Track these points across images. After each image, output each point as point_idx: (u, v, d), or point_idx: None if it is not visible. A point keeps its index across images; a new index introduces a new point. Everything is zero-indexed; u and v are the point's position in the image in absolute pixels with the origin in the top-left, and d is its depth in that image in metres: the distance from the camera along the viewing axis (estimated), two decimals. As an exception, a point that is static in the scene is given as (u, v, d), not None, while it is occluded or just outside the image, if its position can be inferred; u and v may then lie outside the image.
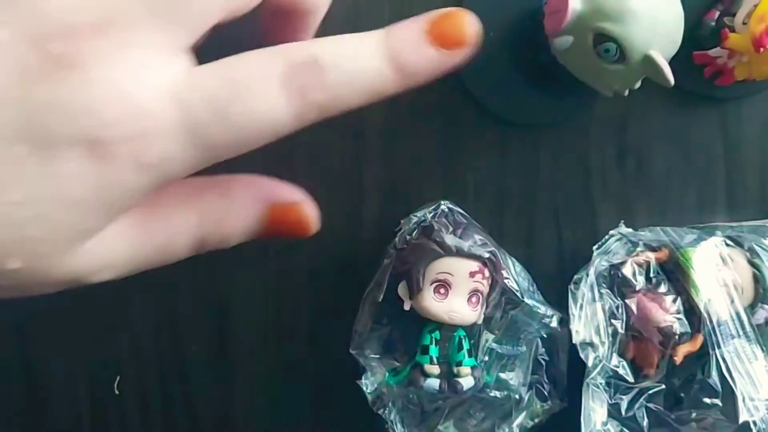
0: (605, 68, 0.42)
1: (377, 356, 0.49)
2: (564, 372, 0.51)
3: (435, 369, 0.46)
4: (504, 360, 0.50)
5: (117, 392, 0.53)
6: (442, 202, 0.49)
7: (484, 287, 0.46)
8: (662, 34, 0.41)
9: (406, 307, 0.47)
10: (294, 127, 0.30)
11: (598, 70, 0.42)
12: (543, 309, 0.49)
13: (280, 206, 0.36)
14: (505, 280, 0.48)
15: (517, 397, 0.50)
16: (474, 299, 0.46)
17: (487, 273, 0.46)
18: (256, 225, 0.35)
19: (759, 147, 0.54)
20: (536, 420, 0.51)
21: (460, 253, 0.45)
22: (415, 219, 0.48)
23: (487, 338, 0.49)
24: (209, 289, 0.53)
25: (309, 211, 0.37)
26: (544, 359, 0.51)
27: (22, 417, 0.54)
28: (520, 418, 0.51)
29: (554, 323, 0.49)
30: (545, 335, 0.50)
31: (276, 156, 0.51)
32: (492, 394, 0.49)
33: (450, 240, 0.45)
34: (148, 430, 0.54)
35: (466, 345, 0.47)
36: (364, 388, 0.49)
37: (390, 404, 0.50)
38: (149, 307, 0.53)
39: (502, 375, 0.50)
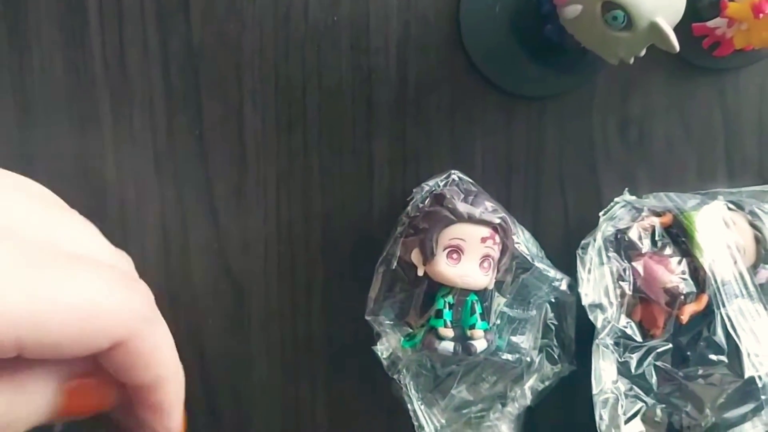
0: (612, 36, 0.43)
1: (391, 322, 0.50)
2: (572, 336, 0.53)
3: (449, 332, 0.47)
4: (515, 324, 0.51)
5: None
6: (453, 172, 0.50)
7: (495, 252, 0.47)
8: (667, 2, 0.43)
9: (420, 272, 0.47)
10: None
11: (605, 37, 0.44)
12: (553, 272, 0.50)
13: (76, 387, 0.29)
14: (516, 245, 0.49)
15: (528, 360, 0.51)
16: (485, 264, 0.47)
17: (498, 238, 0.47)
18: (46, 412, 0.28)
19: (757, 115, 0.55)
20: (546, 382, 0.52)
21: (471, 219, 0.46)
22: (427, 188, 0.50)
23: (499, 302, 0.50)
24: (224, 261, 0.54)
25: (107, 389, 0.30)
26: (553, 323, 0.52)
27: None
28: (531, 381, 0.52)
29: (563, 286, 0.51)
30: (554, 299, 0.52)
31: (288, 130, 0.53)
32: (504, 357, 0.50)
33: (462, 207, 0.46)
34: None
35: (478, 309, 0.48)
36: (379, 354, 0.50)
37: (404, 370, 0.51)
38: (164, 281, 0.54)
39: (513, 338, 0.51)
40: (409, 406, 0.51)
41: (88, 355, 0.26)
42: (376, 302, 0.50)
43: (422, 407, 0.51)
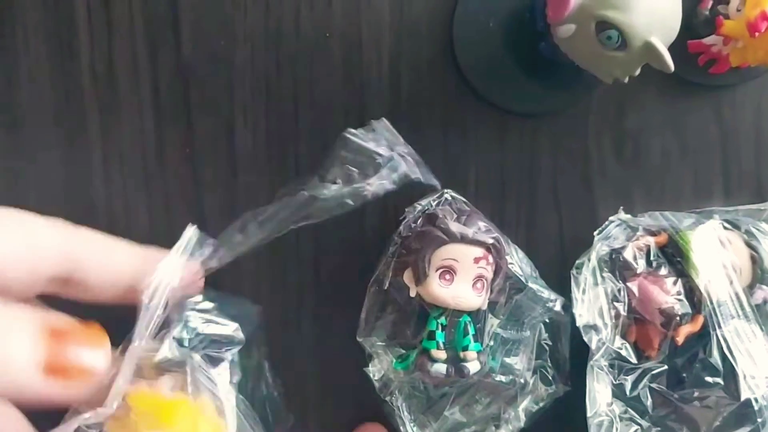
0: (607, 55, 0.43)
1: (383, 344, 0.50)
2: (567, 357, 0.52)
3: (442, 354, 0.46)
4: (508, 345, 0.50)
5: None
6: (446, 191, 0.50)
7: (489, 273, 0.47)
8: (662, 22, 0.42)
9: (412, 293, 0.47)
10: None
11: (599, 57, 0.43)
12: (546, 293, 0.50)
13: None
14: (509, 266, 0.48)
15: (522, 381, 0.51)
16: (479, 285, 0.46)
17: (491, 259, 0.47)
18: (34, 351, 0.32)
19: (753, 133, 0.55)
20: (541, 404, 0.52)
21: (464, 239, 0.46)
22: (419, 207, 0.49)
23: (492, 323, 0.50)
24: (213, 279, 0.53)
25: None
26: (547, 344, 0.52)
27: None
28: (525, 402, 0.51)
29: (557, 307, 0.50)
30: (548, 320, 0.51)
31: (279, 147, 0.52)
32: (497, 379, 0.50)
33: (454, 227, 0.46)
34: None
35: (471, 330, 0.47)
36: (371, 376, 0.50)
37: (397, 391, 0.50)
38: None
39: (507, 360, 0.50)
40: (401, 428, 0.50)
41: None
42: (368, 323, 0.50)
43: (415, 429, 0.50)
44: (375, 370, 0.50)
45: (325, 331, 0.54)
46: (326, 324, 0.54)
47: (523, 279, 0.49)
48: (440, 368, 0.46)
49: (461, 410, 0.51)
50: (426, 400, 0.51)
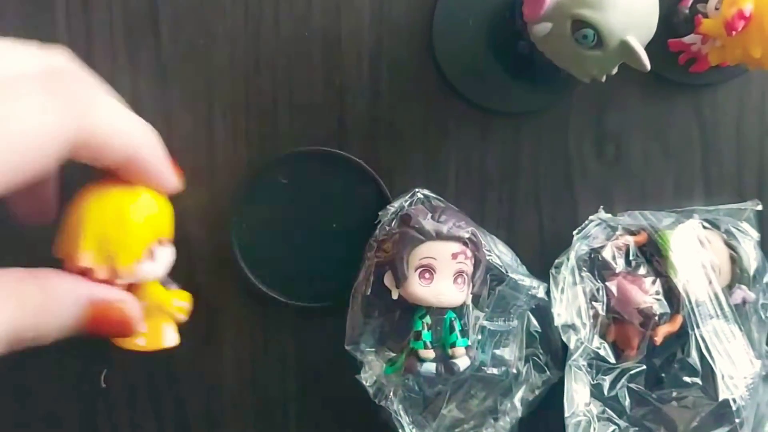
0: (583, 54, 0.43)
1: (373, 349, 0.50)
2: (558, 341, 0.52)
3: (430, 353, 0.46)
4: (497, 337, 0.50)
5: (104, 385, 0.53)
6: (417, 190, 0.50)
7: (468, 267, 0.47)
8: (638, 20, 0.42)
9: (394, 296, 0.47)
10: None
11: (576, 55, 0.43)
12: (528, 281, 0.50)
13: (101, 304, 0.33)
14: (488, 257, 0.48)
15: (514, 371, 0.51)
16: (459, 280, 0.46)
17: (469, 253, 0.46)
18: (73, 321, 0.32)
19: (734, 132, 0.55)
20: (537, 392, 0.52)
21: (440, 236, 0.46)
22: (392, 209, 0.49)
23: (478, 316, 0.49)
24: (194, 280, 0.53)
25: (131, 310, 0.34)
26: (536, 331, 0.52)
27: (9, 410, 0.54)
28: (520, 392, 0.51)
29: (541, 293, 0.50)
30: (534, 307, 0.51)
31: (257, 146, 0.52)
32: (489, 372, 0.50)
33: (429, 225, 0.46)
34: (136, 422, 0.55)
35: (457, 326, 0.47)
36: (364, 383, 0.50)
37: (392, 395, 0.50)
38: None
39: (497, 351, 0.50)
40: (400, 431, 0.50)
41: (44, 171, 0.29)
42: (355, 330, 0.49)
43: (414, 431, 0.50)
44: (367, 377, 0.49)
45: (313, 341, 0.54)
46: (313, 334, 0.54)
47: (503, 270, 0.49)
48: (430, 367, 0.46)
49: (458, 406, 0.51)
50: (422, 400, 0.51)
